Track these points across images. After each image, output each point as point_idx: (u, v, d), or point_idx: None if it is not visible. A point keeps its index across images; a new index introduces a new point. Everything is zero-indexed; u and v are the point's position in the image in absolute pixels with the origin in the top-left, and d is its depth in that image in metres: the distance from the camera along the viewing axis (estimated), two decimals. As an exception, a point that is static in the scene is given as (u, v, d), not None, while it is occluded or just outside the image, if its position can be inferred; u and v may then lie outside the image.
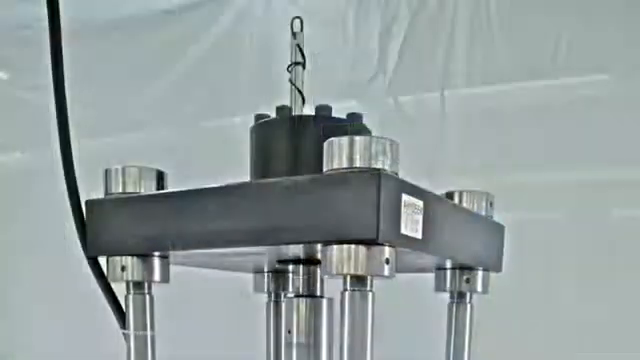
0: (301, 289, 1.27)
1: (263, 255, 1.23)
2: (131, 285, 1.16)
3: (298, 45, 1.23)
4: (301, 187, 0.93)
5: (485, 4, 2.40)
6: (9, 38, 3.18)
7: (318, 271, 1.26)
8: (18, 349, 3.42)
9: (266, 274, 1.51)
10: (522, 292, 2.24)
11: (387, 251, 0.92)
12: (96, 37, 2.96)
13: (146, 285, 1.16)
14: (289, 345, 1.23)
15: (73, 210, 1.17)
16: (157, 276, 1.15)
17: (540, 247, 2.27)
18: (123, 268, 1.13)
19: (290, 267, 1.42)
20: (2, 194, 3.35)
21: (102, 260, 1.18)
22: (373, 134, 1.07)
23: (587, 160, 2.28)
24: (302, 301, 1.23)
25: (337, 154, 0.90)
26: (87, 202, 1.15)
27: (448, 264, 1.28)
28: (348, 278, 0.94)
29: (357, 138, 0.90)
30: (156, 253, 1.14)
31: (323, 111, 1.15)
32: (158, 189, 1.14)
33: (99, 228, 1.14)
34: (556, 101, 2.30)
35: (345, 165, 0.90)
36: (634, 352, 2.24)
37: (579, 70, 2.27)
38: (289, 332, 1.23)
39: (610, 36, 2.23)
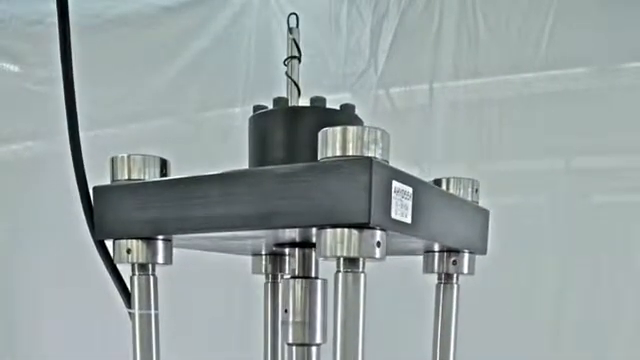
0: (297, 271, 1.27)
1: (261, 238, 1.22)
2: (136, 267, 1.16)
3: (294, 40, 1.22)
4: (297, 174, 0.92)
5: (471, 1, 2.40)
6: (21, 33, 3.17)
7: (313, 254, 1.26)
8: (18, 350, 3.42)
9: (264, 256, 1.51)
10: (505, 275, 2.24)
11: (378, 235, 0.92)
12: (100, 32, 2.95)
13: (150, 267, 1.16)
14: (285, 323, 1.23)
15: (81, 196, 1.17)
16: (161, 258, 1.15)
17: (523, 231, 2.28)
18: (129, 251, 1.13)
19: (286, 250, 1.42)
20: (13, 181, 3.34)
21: (109, 243, 1.18)
22: (365, 124, 1.07)
23: (569, 149, 2.28)
24: (298, 282, 1.23)
25: (331, 143, 0.90)
26: (94, 188, 1.15)
27: (436, 247, 1.28)
28: (341, 260, 0.93)
29: (350, 128, 0.90)
30: (160, 237, 1.13)
31: (318, 102, 1.15)
32: (161, 176, 1.13)
33: (106, 213, 1.14)
34: (539, 93, 2.31)
35: (338, 153, 0.90)
36: (614, 339, 2.25)
37: (560, 63, 2.28)
38: (285, 311, 1.23)
39: (589, 31, 2.24)
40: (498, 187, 1.93)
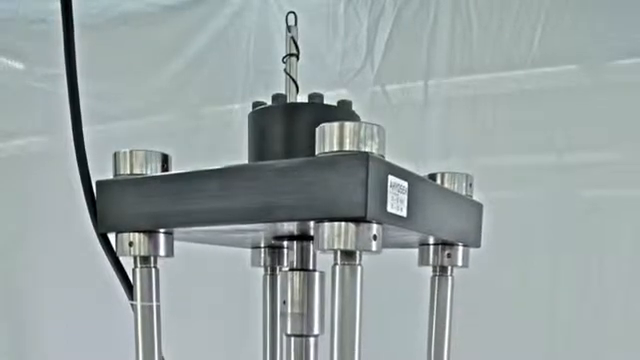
0: (295, 263, 1.27)
1: (260, 232, 1.22)
2: (138, 259, 1.15)
3: (292, 38, 1.22)
4: (295, 168, 0.92)
5: (465, 0, 2.41)
6: (25, 31, 3.16)
7: (311, 247, 1.26)
8: (23, 350, 3.41)
9: (262, 249, 1.51)
10: (497, 268, 2.24)
11: (374, 228, 0.92)
12: (102, 30, 2.95)
13: (152, 259, 1.16)
14: (284, 315, 1.24)
15: (85, 190, 1.17)
16: (162, 251, 1.15)
17: (515, 225, 2.28)
18: (131, 244, 1.13)
19: (285, 243, 1.42)
20: (18, 176, 3.34)
21: (111, 237, 1.18)
22: (362, 120, 1.07)
23: (560, 144, 2.29)
24: (296, 274, 1.23)
25: (328, 138, 0.90)
26: (97, 183, 1.15)
27: (431, 240, 1.28)
28: (338, 253, 0.93)
29: (347, 123, 0.90)
30: (161, 230, 1.13)
31: (316, 99, 1.15)
32: (163, 171, 1.13)
33: (109, 207, 1.14)
34: (530, 89, 2.31)
35: (336, 148, 0.90)
36: (605, 331, 2.25)
37: (551, 61, 2.28)
38: (284, 303, 1.23)
39: (579, 31, 2.24)
40: (492, 183, 1.93)
